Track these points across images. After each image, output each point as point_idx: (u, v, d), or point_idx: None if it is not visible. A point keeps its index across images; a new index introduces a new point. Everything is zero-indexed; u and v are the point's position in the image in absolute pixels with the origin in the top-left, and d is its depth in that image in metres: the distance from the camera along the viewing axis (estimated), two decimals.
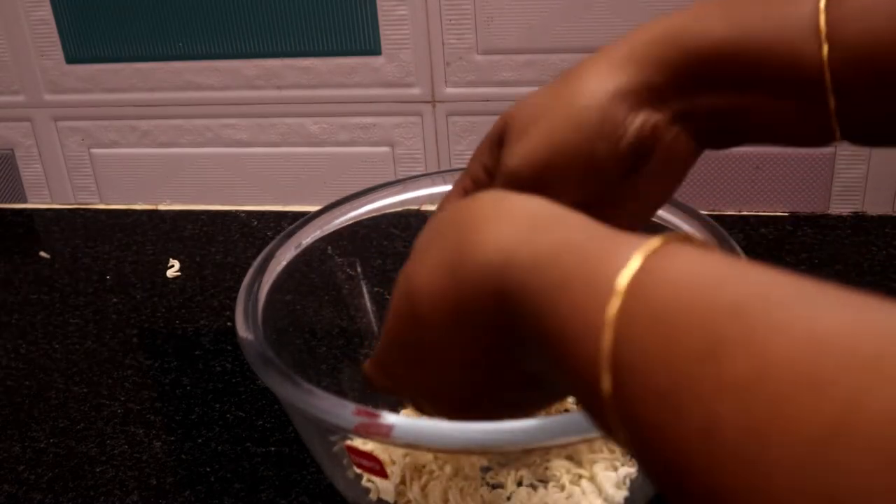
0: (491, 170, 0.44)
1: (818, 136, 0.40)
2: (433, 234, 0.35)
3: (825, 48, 0.36)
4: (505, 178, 0.42)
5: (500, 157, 0.43)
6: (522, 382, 0.34)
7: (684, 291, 0.24)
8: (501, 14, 0.83)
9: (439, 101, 0.88)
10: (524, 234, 0.30)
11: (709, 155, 0.44)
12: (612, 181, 0.41)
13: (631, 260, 0.25)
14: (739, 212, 0.84)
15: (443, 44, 0.85)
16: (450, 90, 0.87)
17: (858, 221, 0.82)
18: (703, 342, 0.22)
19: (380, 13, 0.85)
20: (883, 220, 0.81)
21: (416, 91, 0.88)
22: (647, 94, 0.40)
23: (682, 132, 0.41)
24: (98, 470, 0.60)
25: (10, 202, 1.00)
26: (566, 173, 0.41)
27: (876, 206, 0.84)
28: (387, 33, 0.86)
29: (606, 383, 0.24)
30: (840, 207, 0.85)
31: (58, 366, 0.71)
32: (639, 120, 0.40)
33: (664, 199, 0.44)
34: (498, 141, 0.44)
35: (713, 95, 0.40)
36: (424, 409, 0.39)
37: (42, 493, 0.58)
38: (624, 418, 0.24)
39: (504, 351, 0.32)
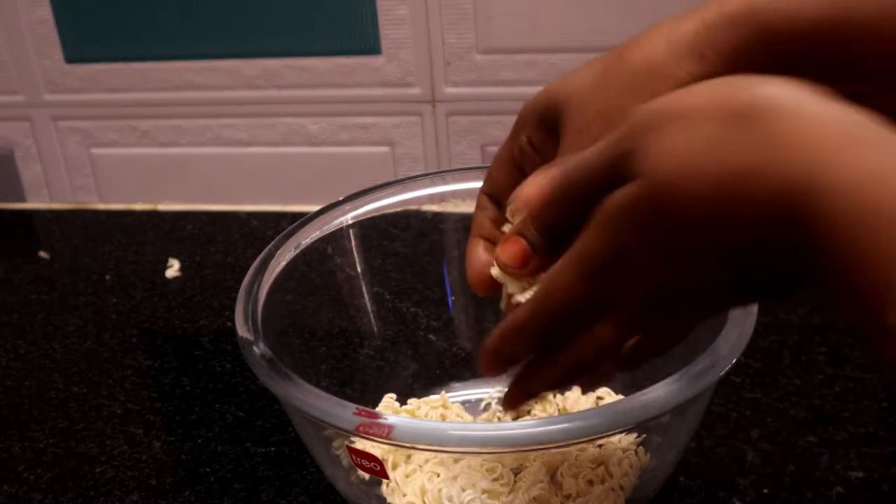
0: (538, 145, 0.42)
1: None
2: (681, 117, 0.30)
3: None
4: None
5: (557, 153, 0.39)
6: (762, 282, 0.31)
7: None
8: (501, 14, 0.83)
9: (439, 101, 0.88)
10: (830, 148, 0.27)
11: None
12: None
13: None
14: None
15: (443, 43, 0.85)
16: (450, 90, 0.87)
17: None
18: None
19: (380, 13, 0.85)
20: None
21: (416, 91, 0.88)
22: None
23: None
24: (98, 470, 0.60)
25: (9, 202, 1.00)
26: None
27: None
28: (387, 33, 0.86)
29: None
30: None
31: (58, 366, 0.71)
32: None
33: None
34: (543, 119, 0.41)
35: None
36: (627, 319, 0.35)
37: (42, 493, 0.58)
38: None
39: (762, 258, 0.30)
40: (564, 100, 0.40)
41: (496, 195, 0.45)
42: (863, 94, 0.33)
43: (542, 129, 0.42)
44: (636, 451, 0.51)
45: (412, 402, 0.59)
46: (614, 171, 0.32)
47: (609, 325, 0.35)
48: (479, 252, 0.44)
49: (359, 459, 0.47)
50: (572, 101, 0.40)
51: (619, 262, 0.32)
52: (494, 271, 0.41)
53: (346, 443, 0.48)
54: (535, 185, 0.37)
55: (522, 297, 0.39)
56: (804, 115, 0.28)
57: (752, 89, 0.29)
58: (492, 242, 0.44)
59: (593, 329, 0.35)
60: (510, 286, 0.40)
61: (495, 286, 0.42)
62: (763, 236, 0.29)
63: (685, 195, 0.29)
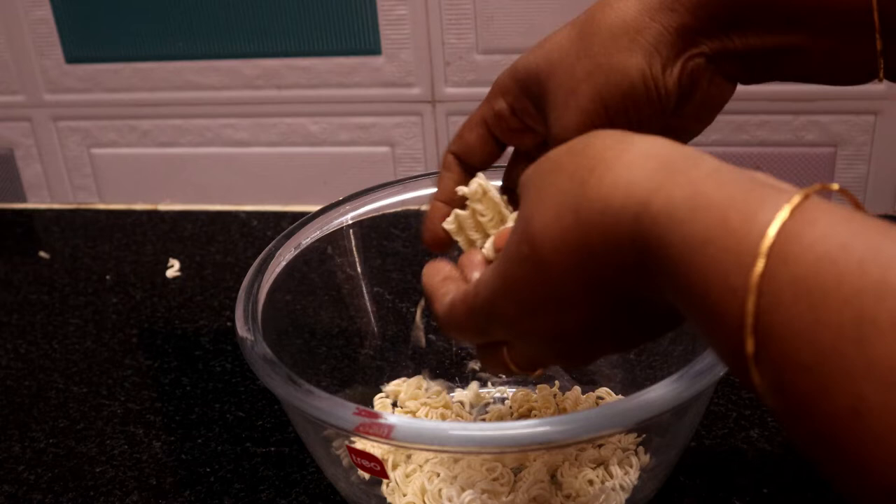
0: (518, 111, 0.44)
1: (860, 76, 0.39)
2: (549, 173, 0.34)
3: None
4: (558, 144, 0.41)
5: (547, 121, 0.42)
6: (642, 317, 0.34)
7: (829, 264, 0.23)
8: (501, 14, 0.83)
9: (439, 101, 0.88)
10: (656, 179, 0.29)
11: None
12: (654, 128, 0.41)
13: (773, 222, 0.25)
14: None
15: (443, 44, 0.85)
16: (450, 90, 0.87)
17: None
18: (850, 321, 0.22)
19: (380, 13, 0.85)
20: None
21: (416, 91, 0.88)
22: (683, 40, 0.39)
23: (717, 73, 0.41)
24: (98, 470, 0.60)
25: (9, 202, 1.00)
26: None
27: (877, 206, 0.84)
28: (387, 33, 0.86)
29: (750, 347, 0.25)
30: None
31: (58, 366, 0.71)
32: (677, 70, 0.40)
33: (697, 133, 0.44)
34: (525, 89, 0.43)
35: (751, 35, 0.39)
36: (520, 355, 0.38)
37: (42, 493, 0.58)
38: (768, 381, 0.25)
39: (630, 292, 0.32)
40: (548, 69, 0.42)
41: (464, 154, 0.48)
42: (803, 43, 0.38)
43: (525, 98, 0.44)
44: (636, 451, 0.51)
45: (395, 382, 0.59)
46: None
47: (511, 358, 0.38)
48: (438, 212, 0.47)
49: (359, 459, 0.47)
50: (557, 71, 0.42)
51: (505, 301, 0.35)
52: (448, 224, 0.46)
53: (346, 443, 0.48)
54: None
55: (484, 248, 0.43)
56: (633, 154, 0.31)
57: (589, 140, 0.33)
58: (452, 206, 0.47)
59: (500, 356, 0.39)
60: (461, 242, 0.46)
61: (450, 244, 0.47)
62: (622, 270, 0.31)
63: (550, 247, 0.32)
